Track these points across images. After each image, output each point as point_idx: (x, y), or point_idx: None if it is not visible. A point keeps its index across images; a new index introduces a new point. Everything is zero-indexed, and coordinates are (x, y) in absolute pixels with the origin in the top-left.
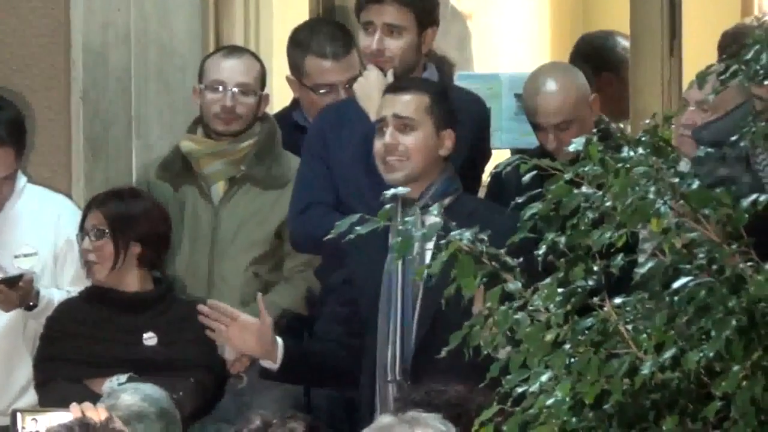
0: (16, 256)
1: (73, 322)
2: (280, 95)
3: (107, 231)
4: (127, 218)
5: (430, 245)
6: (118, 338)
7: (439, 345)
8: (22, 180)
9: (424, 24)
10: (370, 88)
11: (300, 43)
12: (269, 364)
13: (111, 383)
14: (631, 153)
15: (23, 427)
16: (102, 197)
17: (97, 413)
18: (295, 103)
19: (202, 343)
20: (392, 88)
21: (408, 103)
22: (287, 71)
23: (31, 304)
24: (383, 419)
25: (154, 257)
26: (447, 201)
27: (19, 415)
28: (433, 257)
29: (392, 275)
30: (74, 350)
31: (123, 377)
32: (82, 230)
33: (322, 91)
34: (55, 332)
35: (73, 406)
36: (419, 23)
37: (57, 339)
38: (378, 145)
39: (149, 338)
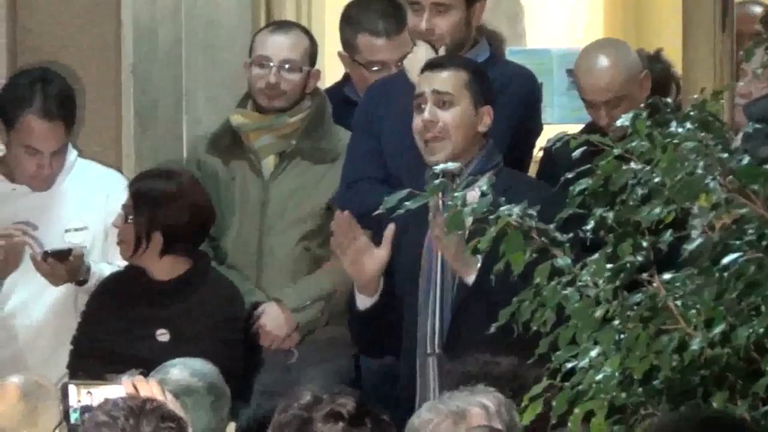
0: (66, 231)
1: (100, 308)
2: (332, 69)
3: (130, 216)
4: (148, 204)
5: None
6: (133, 331)
7: (470, 318)
8: (72, 154)
9: None
10: (420, 64)
11: (352, 20)
12: (363, 300)
13: None
14: (680, 128)
15: (78, 401)
16: (135, 178)
17: (149, 387)
18: (347, 78)
19: (214, 336)
20: (431, 65)
21: (446, 79)
22: (339, 46)
23: (81, 279)
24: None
25: (178, 246)
26: (491, 175)
27: (73, 387)
28: (473, 232)
29: (432, 248)
30: (95, 341)
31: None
32: None
33: (374, 68)
34: (87, 316)
35: (125, 380)
36: None
37: (86, 324)
38: (417, 121)
39: (162, 335)
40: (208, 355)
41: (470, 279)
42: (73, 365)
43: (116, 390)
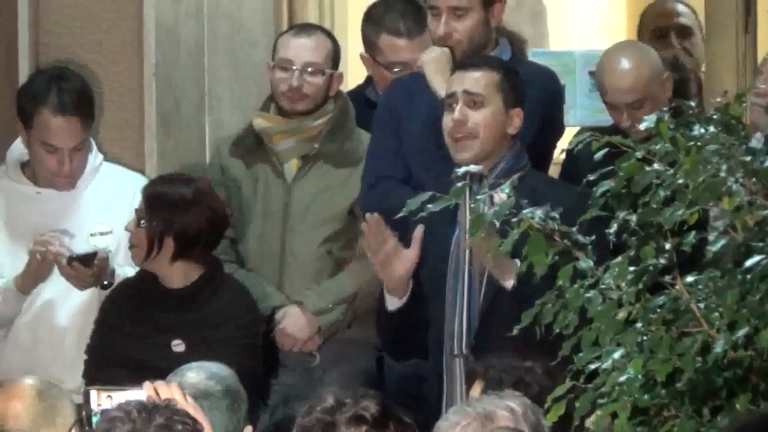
0: (91, 235)
1: (116, 313)
2: (355, 72)
3: (143, 220)
4: (163, 209)
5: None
6: (148, 338)
7: (498, 320)
8: (98, 158)
9: (490, 0)
10: (432, 64)
11: (374, 20)
12: (392, 301)
13: None
14: (703, 131)
15: (99, 404)
16: (150, 182)
17: (170, 391)
18: (369, 80)
19: (230, 345)
20: (463, 65)
21: (478, 80)
22: (362, 47)
23: (105, 282)
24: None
25: (191, 253)
26: (514, 178)
27: (94, 392)
28: (500, 233)
29: (460, 249)
30: (111, 348)
31: None
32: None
33: (395, 68)
34: (102, 322)
35: (146, 384)
36: (484, 0)
37: (101, 330)
38: (447, 120)
39: (177, 345)
40: (224, 363)
41: (509, 283)
42: (90, 374)
43: (137, 394)
